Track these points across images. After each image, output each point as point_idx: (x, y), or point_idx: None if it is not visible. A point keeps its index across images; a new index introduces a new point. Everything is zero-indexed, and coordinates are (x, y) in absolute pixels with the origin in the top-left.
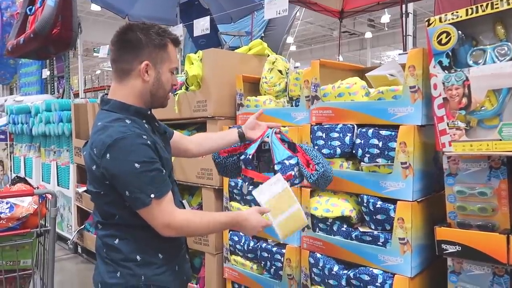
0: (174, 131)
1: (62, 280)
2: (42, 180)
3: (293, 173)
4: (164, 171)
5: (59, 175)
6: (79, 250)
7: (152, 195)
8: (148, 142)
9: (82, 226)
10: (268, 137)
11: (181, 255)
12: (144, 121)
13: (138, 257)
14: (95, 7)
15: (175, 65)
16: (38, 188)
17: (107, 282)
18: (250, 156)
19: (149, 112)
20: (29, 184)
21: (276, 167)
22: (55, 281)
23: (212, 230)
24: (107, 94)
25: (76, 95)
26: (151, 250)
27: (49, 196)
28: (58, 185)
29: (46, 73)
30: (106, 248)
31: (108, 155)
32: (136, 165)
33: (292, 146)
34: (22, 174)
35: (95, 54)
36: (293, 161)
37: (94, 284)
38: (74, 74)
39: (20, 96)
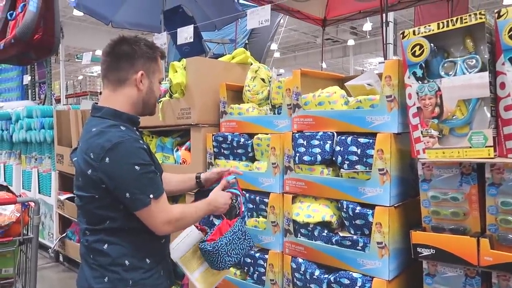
0: None
1: None
2: (23, 188)
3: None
4: (157, 173)
5: (40, 182)
6: (61, 258)
7: (151, 195)
8: (144, 146)
9: (64, 234)
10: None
11: (166, 260)
12: (134, 128)
13: (126, 262)
14: (77, 12)
15: (162, 76)
16: (20, 196)
17: None
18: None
19: (139, 120)
20: (12, 192)
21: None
22: None
23: (199, 216)
24: (97, 102)
25: (58, 101)
26: (139, 254)
27: (32, 204)
28: (39, 192)
29: (27, 78)
30: (93, 254)
31: (107, 159)
32: (136, 167)
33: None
34: (1, 182)
35: (77, 60)
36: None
37: None
38: (55, 79)
39: (0, 102)
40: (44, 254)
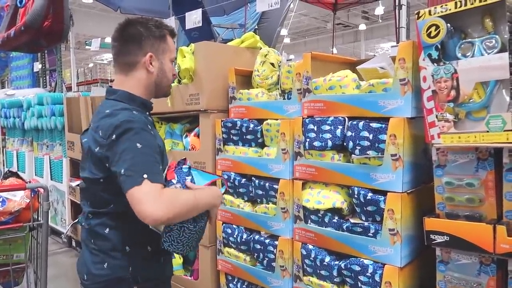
0: None
1: (56, 273)
2: (35, 175)
3: None
4: (161, 166)
5: (52, 169)
6: (73, 243)
7: (145, 176)
8: (152, 132)
9: (76, 220)
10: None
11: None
12: (147, 113)
13: (127, 248)
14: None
15: (174, 55)
16: (30, 182)
17: (94, 273)
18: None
19: (152, 105)
20: (21, 178)
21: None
22: (49, 275)
23: (197, 203)
24: (111, 86)
25: (69, 89)
26: (141, 241)
27: (41, 190)
28: (51, 179)
29: (37, 66)
30: (94, 238)
31: (114, 136)
32: (138, 144)
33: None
34: (15, 169)
35: (87, 47)
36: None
37: (79, 275)
38: (66, 67)
39: (11, 90)
40: (57, 240)
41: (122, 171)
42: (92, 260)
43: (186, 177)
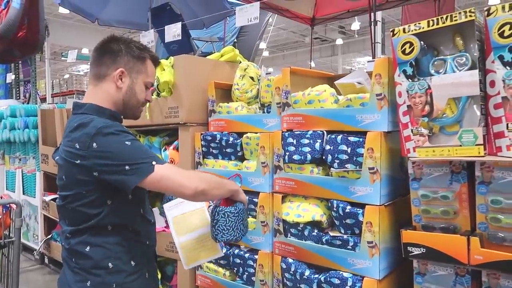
0: None
1: None
2: (7, 189)
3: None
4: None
5: (25, 183)
6: (46, 260)
7: (154, 162)
8: (132, 135)
9: (49, 236)
10: None
11: (152, 263)
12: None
13: (110, 264)
14: (63, 10)
15: (151, 80)
16: (2, 198)
17: None
18: None
19: (121, 117)
20: None
21: None
22: None
23: (224, 184)
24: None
25: (43, 100)
26: (124, 256)
27: (14, 206)
28: (23, 193)
29: (10, 77)
30: (75, 257)
31: (94, 144)
32: (127, 142)
33: None
34: None
35: (63, 58)
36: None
37: None
38: (41, 78)
39: None
40: (28, 257)
41: (127, 167)
42: (74, 279)
43: None
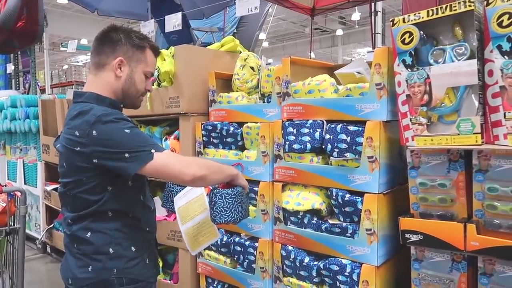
0: None
1: (31, 280)
2: (8, 179)
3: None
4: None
5: (26, 173)
6: (48, 249)
7: (153, 150)
8: (132, 123)
9: (51, 225)
10: None
11: (152, 248)
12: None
13: (110, 250)
14: (61, 0)
15: (151, 69)
16: (6, 186)
17: (78, 277)
18: None
19: (121, 106)
20: None
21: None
22: (24, 282)
23: (222, 168)
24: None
25: (43, 91)
26: (125, 242)
27: (18, 193)
28: (25, 183)
29: (10, 67)
30: (77, 243)
31: (94, 132)
32: (126, 130)
33: None
34: None
35: (63, 49)
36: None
37: (64, 279)
38: (40, 68)
39: None
40: (31, 246)
41: (126, 155)
42: (77, 264)
43: None
